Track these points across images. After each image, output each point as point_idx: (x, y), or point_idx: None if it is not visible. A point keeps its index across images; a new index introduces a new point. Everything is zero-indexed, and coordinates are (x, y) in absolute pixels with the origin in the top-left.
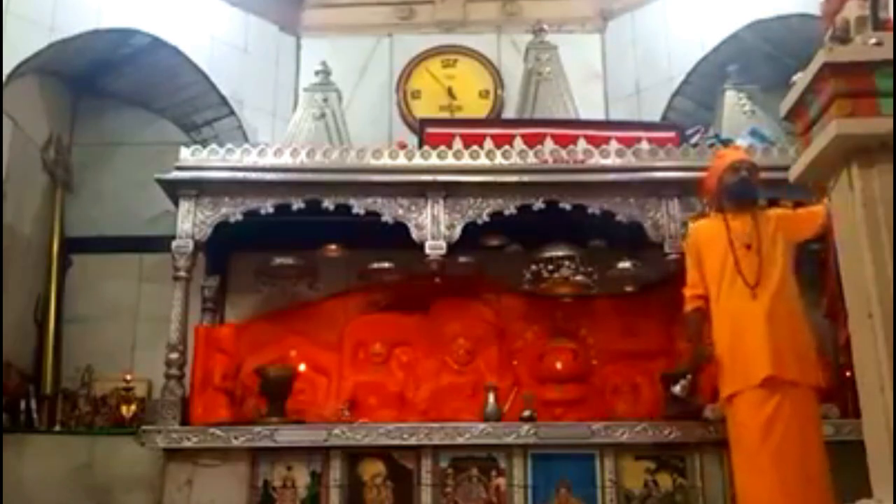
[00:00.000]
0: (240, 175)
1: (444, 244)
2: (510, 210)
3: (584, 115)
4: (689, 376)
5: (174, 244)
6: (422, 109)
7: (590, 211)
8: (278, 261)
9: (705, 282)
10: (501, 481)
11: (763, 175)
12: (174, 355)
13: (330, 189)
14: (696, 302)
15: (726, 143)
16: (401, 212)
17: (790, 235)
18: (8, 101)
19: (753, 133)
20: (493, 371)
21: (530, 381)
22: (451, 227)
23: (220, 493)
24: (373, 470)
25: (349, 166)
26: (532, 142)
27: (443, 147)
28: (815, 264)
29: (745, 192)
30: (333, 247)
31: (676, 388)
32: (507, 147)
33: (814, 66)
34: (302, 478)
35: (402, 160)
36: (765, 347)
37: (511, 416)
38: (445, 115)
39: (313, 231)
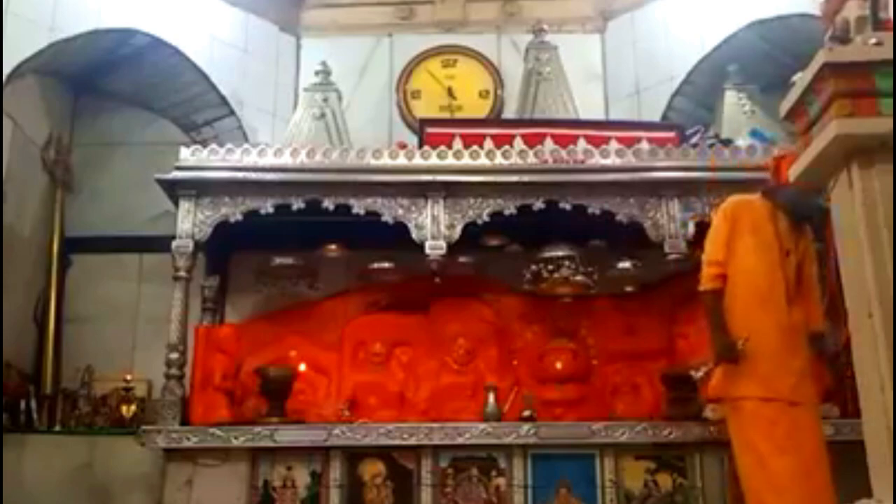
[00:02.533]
0: (240, 175)
1: (444, 244)
2: (510, 210)
3: (584, 115)
4: (710, 365)
5: (174, 244)
6: (422, 109)
7: (590, 211)
8: (278, 261)
9: (730, 263)
10: (501, 481)
11: (763, 175)
12: (174, 355)
13: (330, 189)
14: (718, 282)
15: (726, 143)
16: (401, 212)
17: None
18: (8, 101)
19: (754, 133)
20: (493, 371)
21: (530, 381)
22: (451, 227)
23: (220, 493)
24: (373, 470)
25: (349, 166)
26: (532, 142)
27: (443, 147)
28: (815, 264)
29: (806, 212)
30: (333, 247)
31: (697, 374)
32: (507, 147)
33: (814, 66)
34: (302, 478)
35: (402, 160)
36: (790, 371)
37: (511, 416)
38: (445, 115)
39: (313, 231)
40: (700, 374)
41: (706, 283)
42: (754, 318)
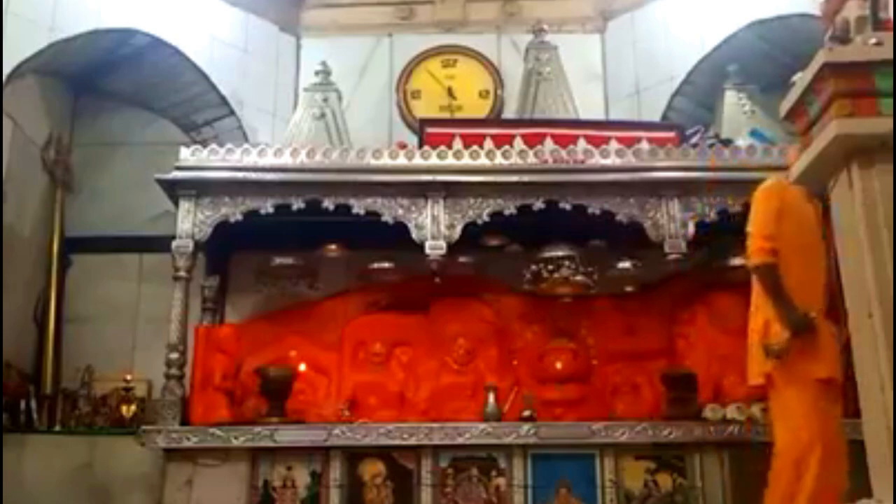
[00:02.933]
0: (240, 175)
1: (444, 244)
2: (510, 210)
3: (584, 115)
4: (787, 334)
5: (174, 244)
6: (422, 109)
7: (590, 211)
8: (278, 261)
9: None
10: (501, 481)
11: (763, 175)
12: (174, 355)
13: (330, 189)
14: (771, 257)
15: (726, 143)
16: (401, 212)
17: None
18: (8, 101)
19: (753, 133)
20: (493, 371)
21: (530, 381)
22: (451, 227)
23: (220, 493)
24: (373, 470)
25: (349, 166)
26: (532, 142)
27: (443, 147)
28: None
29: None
30: (333, 247)
31: (776, 347)
32: (507, 147)
33: (814, 66)
34: (302, 478)
35: (402, 160)
36: (837, 352)
37: (511, 416)
38: (445, 115)
39: (313, 231)
40: (780, 347)
41: (759, 257)
42: (808, 296)
